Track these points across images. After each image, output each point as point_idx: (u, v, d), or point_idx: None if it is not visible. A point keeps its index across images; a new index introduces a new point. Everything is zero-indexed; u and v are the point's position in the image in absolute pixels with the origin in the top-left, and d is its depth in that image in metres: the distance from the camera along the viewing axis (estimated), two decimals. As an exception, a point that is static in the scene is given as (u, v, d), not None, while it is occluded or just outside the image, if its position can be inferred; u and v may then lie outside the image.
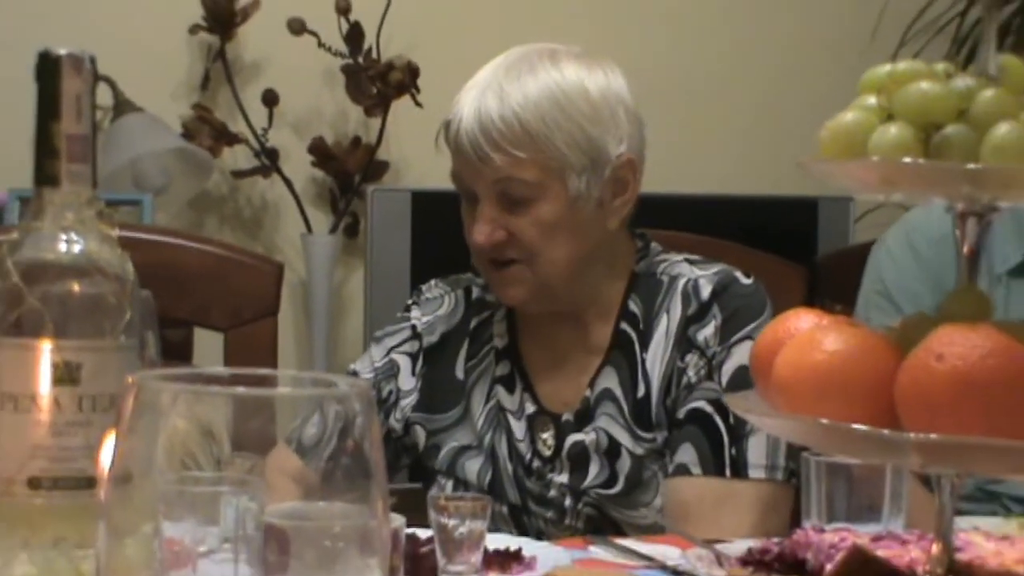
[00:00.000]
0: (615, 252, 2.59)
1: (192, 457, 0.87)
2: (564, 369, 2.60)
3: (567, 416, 2.57)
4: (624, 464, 2.52)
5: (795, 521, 2.22)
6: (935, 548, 1.51)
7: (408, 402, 2.62)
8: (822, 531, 1.85)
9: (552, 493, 2.56)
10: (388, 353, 2.65)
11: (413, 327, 2.65)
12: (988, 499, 2.89)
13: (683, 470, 2.45)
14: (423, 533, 1.89)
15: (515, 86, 2.43)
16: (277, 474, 2.63)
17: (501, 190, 2.46)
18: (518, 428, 2.58)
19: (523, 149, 2.42)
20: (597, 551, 2.14)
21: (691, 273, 2.57)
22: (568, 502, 2.54)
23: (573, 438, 2.55)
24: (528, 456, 2.58)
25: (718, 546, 1.99)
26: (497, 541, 1.99)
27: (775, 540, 1.86)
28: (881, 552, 1.64)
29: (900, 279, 3.07)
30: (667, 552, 2.06)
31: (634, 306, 2.57)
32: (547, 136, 2.42)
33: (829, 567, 1.66)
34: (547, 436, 2.57)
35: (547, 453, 2.57)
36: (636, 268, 2.60)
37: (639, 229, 2.63)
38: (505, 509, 2.56)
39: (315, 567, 0.87)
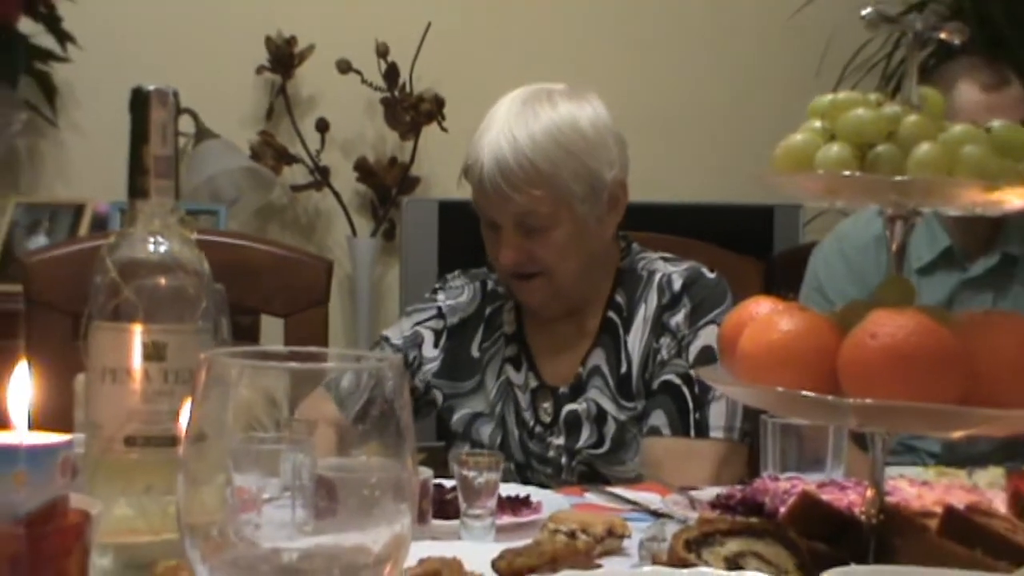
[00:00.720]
0: (606, 254, 2.60)
1: (257, 421, 0.87)
2: (561, 350, 2.61)
3: (563, 389, 2.59)
4: (610, 428, 2.54)
5: (751, 472, 2.24)
6: (869, 493, 1.51)
7: (430, 368, 2.63)
8: (777, 480, 1.86)
9: (551, 453, 2.57)
10: (415, 326, 2.66)
11: (439, 308, 2.67)
12: (909, 452, 2.92)
13: (655, 431, 2.48)
14: (448, 483, 1.90)
15: (523, 131, 2.43)
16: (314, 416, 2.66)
17: (520, 221, 2.47)
18: (523, 400, 2.60)
19: (537, 187, 2.43)
20: (592, 497, 2.15)
21: (665, 269, 2.59)
22: (564, 460, 2.56)
23: (568, 407, 2.57)
24: (531, 423, 2.59)
25: (691, 493, 1.99)
26: (509, 489, 2.00)
27: (739, 488, 1.86)
28: (825, 496, 1.64)
29: (832, 279, 3.15)
30: (649, 498, 2.07)
31: (619, 297, 2.59)
32: (555, 174, 2.43)
33: (783, 509, 1.66)
34: (547, 406, 2.59)
35: (547, 420, 2.59)
36: (620, 265, 2.62)
37: (622, 232, 2.64)
38: (512, 467, 2.57)
39: (357, 511, 0.87)
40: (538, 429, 2.59)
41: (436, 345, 2.64)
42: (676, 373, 2.48)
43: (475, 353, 2.64)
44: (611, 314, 2.58)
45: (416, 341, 2.64)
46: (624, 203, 2.56)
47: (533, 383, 2.61)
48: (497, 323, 2.64)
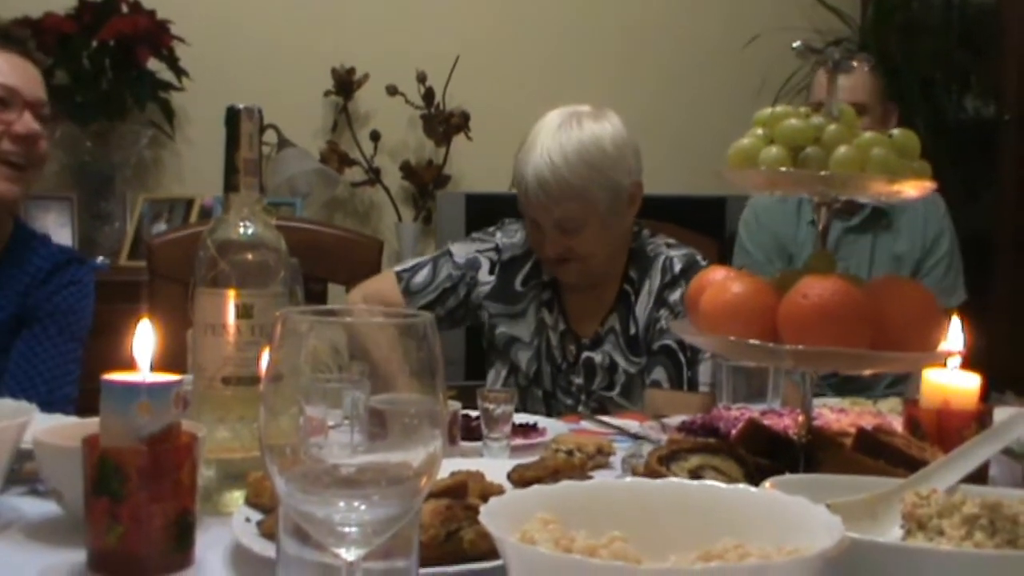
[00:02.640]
0: (624, 238, 2.58)
1: (323, 364, 0.87)
2: (585, 312, 2.60)
3: (585, 340, 2.58)
4: (620, 377, 2.53)
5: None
6: (800, 418, 1.51)
7: (483, 289, 2.61)
8: (729, 409, 1.85)
9: (572, 389, 2.57)
10: (476, 252, 2.64)
11: (497, 245, 2.64)
12: (824, 385, 2.98)
13: (657, 384, 2.49)
14: (473, 413, 1.89)
15: (558, 153, 2.42)
16: (377, 299, 2.68)
17: (558, 223, 2.47)
18: (554, 338, 2.59)
19: (571, 200, 2.44)
20: (586, 424, 2.15)
21: (667, 253, 2.58)
22: (583, 397, 2.56)
23: (587, 355, 2.57)
24: (559, 360, 2.59)
25: (663, 420, 1.98)
26: (520, 418, 2.00)
27: (699, 416, 1.85)
28: (767, 421, 1.63)
29: (749, 234, 3.43)
30: (630, 424, 2.07)
31: (632, 273, 2.57)
32: (585, 187, 2.43)
33: (734, 432, 1.65)
34: (572, 349, 2.58)
35: (571, 360, 2.57)
36: (632, 246, 2.60)
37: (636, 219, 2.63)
38: (540, 393, 2.59)
39: (401, 435, 0.87)
40: (564, 367, 2.58)
41: (491, 272, 2.62)
42: (673, 339, 2.47)
43: (519, 287, 2.61)
44: (626, 286, 2.57)
45: (475, 265, 2.62)
46: (640, 198, 2.55)
47: (562, 326, 2.59)
48: (539, 268, 2.62)
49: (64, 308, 2.33)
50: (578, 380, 2.57)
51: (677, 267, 2.54)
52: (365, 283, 2.67)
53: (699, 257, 2.58)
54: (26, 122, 2.23)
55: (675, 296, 2.50)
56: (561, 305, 2.61)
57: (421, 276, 2.62)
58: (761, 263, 3.27)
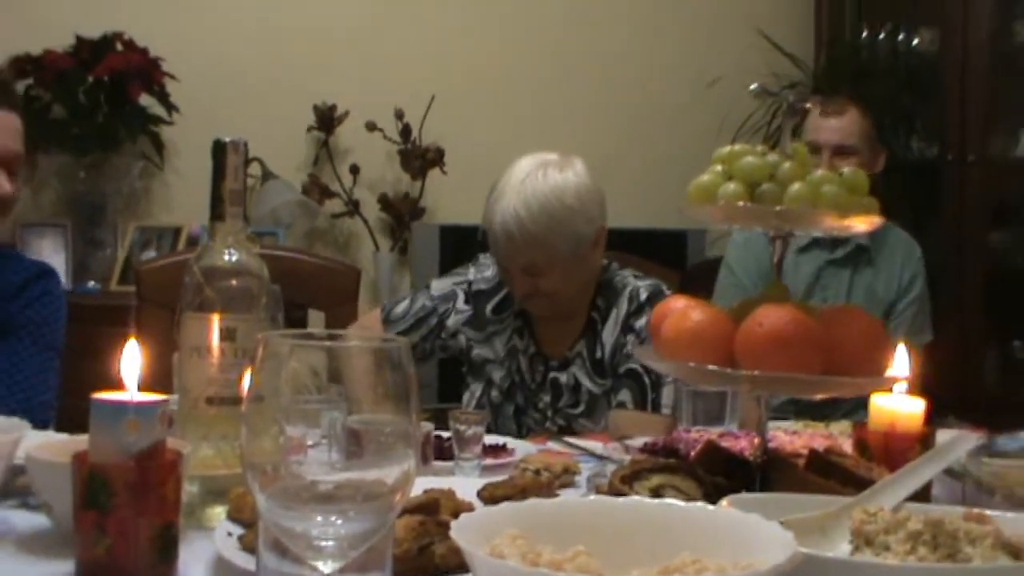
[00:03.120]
0: (593, 274, 2.58)
1: (302, 385, 0.86)
2: (555, 337, 2.60)
3: (553, 362, 2.58)
4: (584, 396, 2.53)
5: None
6: (756, 440, 1.51)
7: (460, 317, 2.62)
8: (689, 431, 1.85)
9: (540, 406, 2.57)
10: (453, 285, 2.65)
11: (469, 280, 2.65)
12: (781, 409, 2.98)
13: (622, 405, 2.48)
14: (445, 434, 1.89)
15: (523, 207, 2.43)
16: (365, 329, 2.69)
17: (524, 267, 2.47)
18: (523, 361, 2.59)
19: (534, 248, 2.44)
20: (553, 445, 2.14)
21: (634, 284, 2.57)
22: (549, 413, 2.56)
23: (553, 375, 2.57)
24: (528, 380, 2.59)
25: (626, 441, 1.98)
26: (491, 439, 1.99)
27: (661, 438, 1.85)
28: (724, 443, 1.63)
29: (737, 260, 3.41)
30: (595, 445, 2.06)
31: (600, 302, 2.57)
32: (547, 238, 2.43)
33: (693, 453, 1.65)
34: (540, 369, 2.58)
35: (539, 380, 2.58)
36: (601, 279, 2.59)
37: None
38: (512, 409, 2.60)
39: (376, 454, 0.87)
40: (532, 386, 2.58)
41: (466, 302, 2.63)
42: (638, 364, 2.46)
43: (490, 315, 2.62)
44: (594, 314, 2.56)
45: (451, 297, 2.63)
46: (604, 240, 2.56)
47: (532, 349, 2.60)
48: (510, 299, 2.62)
49: (38, 320, 2.32)
50: (546, 398, 2.57)
51: (643, 296, 2.54)
52: (359, 320, 2.76)
53: (664, 287, 2.58)
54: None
55: (640, 322, 2.49)
56: (532, 331, 2.61)
57: (400, 307, 2.66)
58: (747, 287, 3.29)
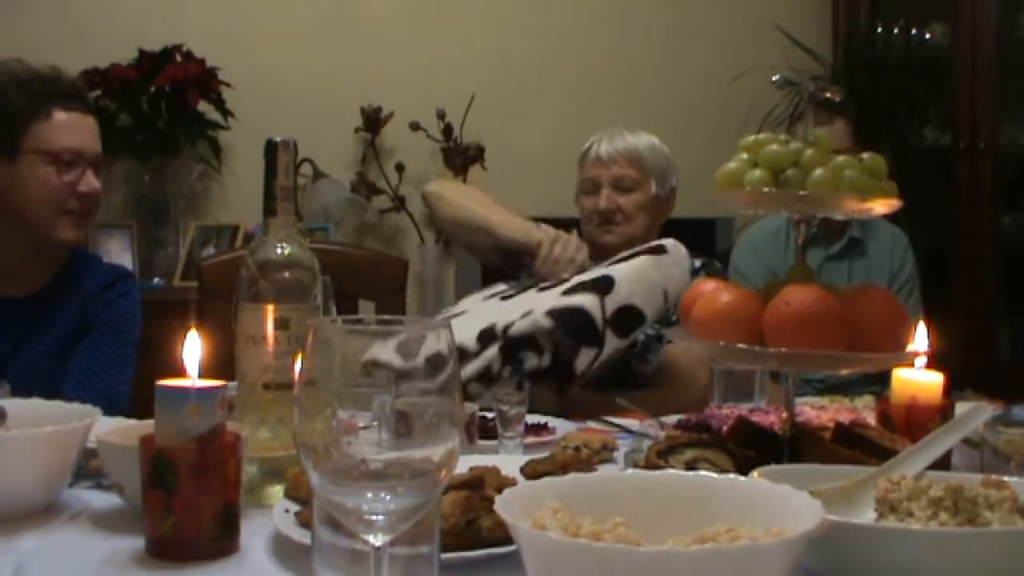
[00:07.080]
0: (656, 229, 2.65)
1: (353, 370, 0.86)
2: None
3: None
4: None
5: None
6: (784, 415, 1.49)
7: None
8: (720, 408, 1.83)
9: None
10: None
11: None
12: (807, 385, 2.97)
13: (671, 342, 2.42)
14: (490, 415, 1.88)
15: (629, 132, 2.67)
16: None
17: (616, 181, 2.60)
18: None
19: (632, 161, 2.62)
20: (592, 423, 2.12)
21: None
22: None
23: None
24: None
25: (661, 418, 1.96)
26: (532, 419, 1.97)
27: (694, 415, 1.83)
28: (755, 418, 1.61)
29: (745, 264, 3.43)
30: (632, 423, 2.04)
31: None
32: (645, 156, 2.63)
33: (725, 428, 1.63)
34: None
35: None
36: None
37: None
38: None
39: (423, 434, 0.86)
40: None
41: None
42: None
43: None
44: None
45: None
46: (672, 207, 2.70)
47: None
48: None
49: (117, 317, 2.36)
50: None
51: (697, 263, 2.57)
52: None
53: (718, 264, 2.68)
54: (89, 182, 2.30)
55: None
56: None
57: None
58: (756, 287, 3.28)
